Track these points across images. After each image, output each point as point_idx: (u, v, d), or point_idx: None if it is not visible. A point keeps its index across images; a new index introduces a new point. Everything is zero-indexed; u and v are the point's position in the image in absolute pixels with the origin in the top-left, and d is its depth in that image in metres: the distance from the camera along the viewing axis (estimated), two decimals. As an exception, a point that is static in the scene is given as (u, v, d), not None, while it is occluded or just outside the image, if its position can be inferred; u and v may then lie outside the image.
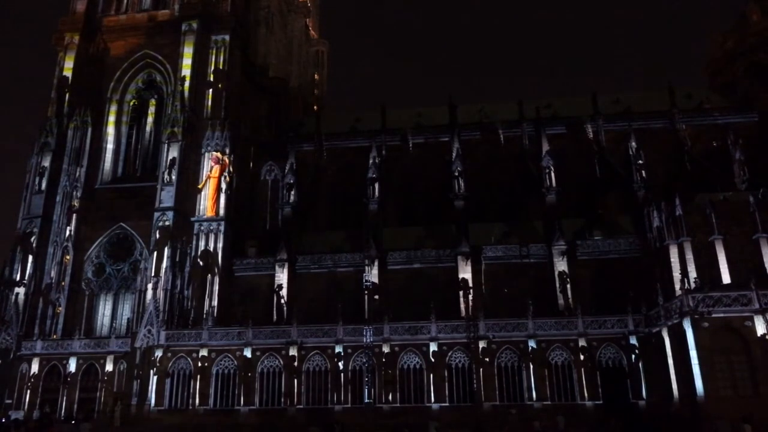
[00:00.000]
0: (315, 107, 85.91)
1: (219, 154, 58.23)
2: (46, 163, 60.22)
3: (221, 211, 56.99)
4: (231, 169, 58.59)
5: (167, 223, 55.20)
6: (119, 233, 58.35)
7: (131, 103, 64.77)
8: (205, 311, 52.53)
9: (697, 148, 59.11)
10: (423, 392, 45.29)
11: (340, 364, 46.58)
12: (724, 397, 35.53)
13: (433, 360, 45.64)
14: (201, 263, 55.05)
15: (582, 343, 44.58)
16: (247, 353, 47.67)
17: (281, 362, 47.33)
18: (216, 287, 54.84)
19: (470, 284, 51.39)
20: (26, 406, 51.20)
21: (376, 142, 62.37)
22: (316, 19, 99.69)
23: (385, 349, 46.33)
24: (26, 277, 56.22)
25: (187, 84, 59.95)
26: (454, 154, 58.22)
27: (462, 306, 50.47)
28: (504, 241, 53.67)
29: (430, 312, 46.74)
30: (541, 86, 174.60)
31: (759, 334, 36.43)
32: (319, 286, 54.92)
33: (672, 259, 44.86)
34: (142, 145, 63.38)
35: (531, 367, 44.36)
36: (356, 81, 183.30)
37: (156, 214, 55.67)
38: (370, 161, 58.88)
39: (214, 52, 62.17)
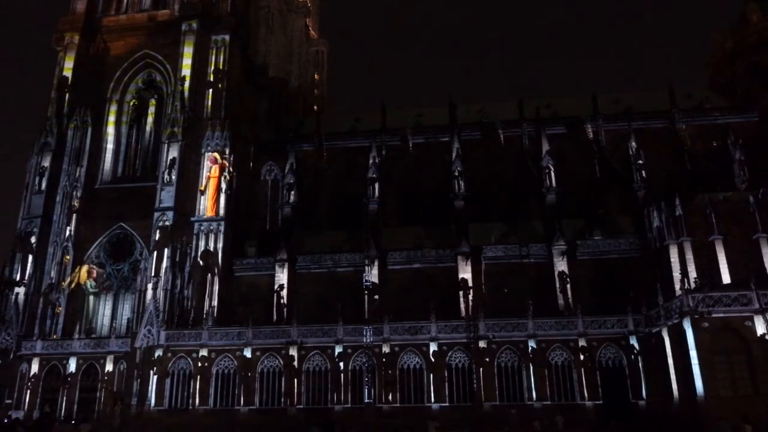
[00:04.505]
0: (315, 107, 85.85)
1: (219, 154, 58.21)
2: (46, 163, 60.21)
3: (221, 211, 56.97)
4: (231, 169, 58.54)
5: (167, 223, 55.20)
6: (119, 233, 58.32)
7: (131, 103, 64.72)
8: (205, 311, 52.47)
9: (697, 148, 59.09)
10: (423, 392, 45.26)
11: (341, 364, 46.57)
12: (724, 397, 35.48)
13: (433, 360, 45.63)
14: (201, 263, 55.02)
15: (582, 343, 44.56)
16: (247, 353, 47.65)
17: (281, 362, 47.31)
18: (216, 287, 54.80)
19: (470, 284, 51.36)
20: (26, 406, 51.17)
21: (376, 142, 62.35)
22: (316, 19, 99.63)
23: (385, 349, 46.31)
24: (26, 277, 56.19)
25: (187, 84, 59.92)
26: (454, 154, 58.22)
27: (462, 306, 50.45)
28: (504, 241, 53.67)
29: (430, 312, 46.71)
30: (541, 86, 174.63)
31: (759, 334, 36.39)
32: (319, 286, 54.89)
33: (672, 259, 44.87)
34: (142, 145, 63.38)
35: (531, 367, 44.34)
36: (356, 81, 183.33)
37: (156, 214, 55.67)
38: (370, 161, 58.85)
39: (214, 52, 62.09)
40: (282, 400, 46.42)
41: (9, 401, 51.65)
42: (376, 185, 57.93)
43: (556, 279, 50.49)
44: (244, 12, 68.86)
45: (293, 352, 47.22)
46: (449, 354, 45.97)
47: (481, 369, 44.69)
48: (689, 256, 43.96)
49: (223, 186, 57.60)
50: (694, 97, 62.83)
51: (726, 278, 42.49)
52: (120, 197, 59.37)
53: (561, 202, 54.51)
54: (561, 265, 50.89)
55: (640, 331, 43.84)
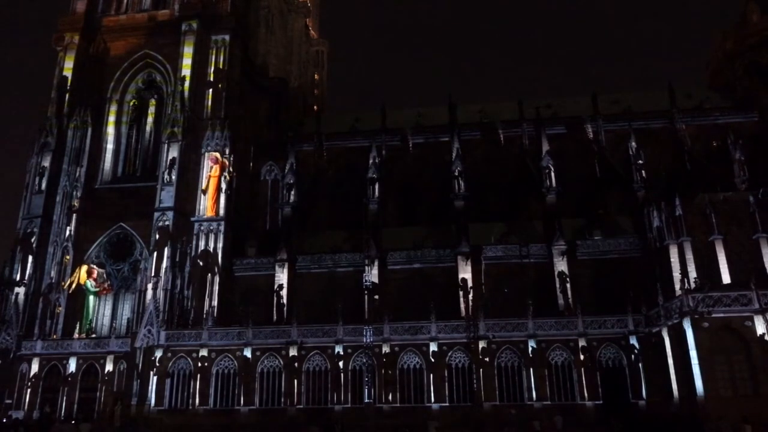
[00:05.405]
0: (315, 107, 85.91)
1: (219, 154, 58.23)
2: (46, 163, 60.18)
3: (221, 211, 56.99)
4: (231, 169, 58.57)
5: (167, 223, 55.21)
6: (119, 233, 58.31)
7: (131, 103, 64.70)
8: (205, 311, 52.50)
9: (697, 148, 59.05)
10: (423, 392, 45.25)
11: (340, 364, 46.57)
12: (724, 397, 35.57)
13: (433, 360, 45.62)
14: (201, 263, 55.04)
15: (582, 343, 44.54)
16: (247, 353, 47.64)
17: (281, 362, 47.31)
18: (216, 287, 54.81)
19: (470, 284, 51.37)
20: (26, 406, 51.14)
21: (376, 142, 62.32)
22: (316, 19, 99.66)
23: (385, 349, 46.30)
24: (26, 277, 56.16)
25: (187, 84, 59.91)
26: (454, 154, 58.22)
27: (462, 306, 50.45)
28: (504, 241, 53.67)
29: (430, 312, 46.70)
30: (541, 86, 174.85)
31: (759, 334, 36.48)
32: (319, 286, 54.90)
33: (672, 259, 44.90)
34: (142, 145, 63.36)
35: (531, 367, 44.32)
36: (356, 81, 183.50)
37: (156, 214, 55.67)
38: (370, 161, 58.89)
39: (214, 52, 62.14)
40: (282, 400, 46.40)
41: (9, 401, 51.57)
42: (376, 185, 57.96)
43: (556, 279, 50.49)
44: (244, 12, 68.89)
45: (293, 352, 47.22)
46: (449, 354, 45.95)
47: (481, 369, 44.68)
48: (689, 256, 43.98)
49: (223, 186, 57.63)
50: (694, 97, 62.72)
51: (726, 278, 42.51)
52: (120, 197, 59.35)
53: (561, 202, 54.55)
54: (561, 265, 50.90)
55: (640, 331, 43.83)
